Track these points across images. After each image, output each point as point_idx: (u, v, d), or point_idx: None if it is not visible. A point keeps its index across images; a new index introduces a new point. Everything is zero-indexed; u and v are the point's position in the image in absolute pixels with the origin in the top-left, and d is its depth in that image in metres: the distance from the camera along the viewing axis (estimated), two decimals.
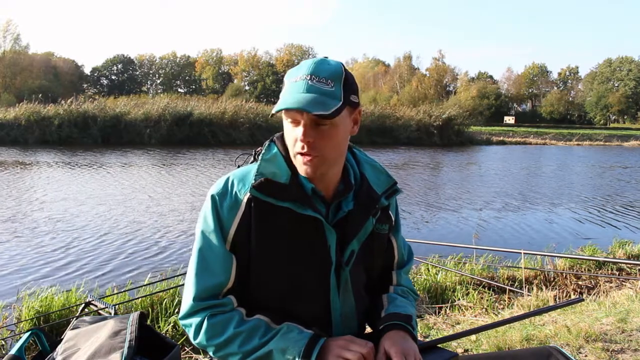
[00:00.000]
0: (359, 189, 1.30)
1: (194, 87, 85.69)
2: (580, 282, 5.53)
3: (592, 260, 5.93)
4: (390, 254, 1.42)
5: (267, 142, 1.29)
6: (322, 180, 1.25)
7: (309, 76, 1.16)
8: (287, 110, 1.14)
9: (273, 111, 1.15)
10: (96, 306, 2.66)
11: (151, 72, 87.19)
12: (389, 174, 1.37)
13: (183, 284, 1.27)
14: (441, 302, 4.74)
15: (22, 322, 4.08)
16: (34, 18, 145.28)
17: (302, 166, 1.19)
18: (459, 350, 2.81)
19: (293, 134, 1.18)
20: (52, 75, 63.47)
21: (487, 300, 4.66)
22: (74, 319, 1.87)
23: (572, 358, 1.34)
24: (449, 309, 4.43)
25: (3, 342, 3.86)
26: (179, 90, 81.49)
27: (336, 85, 1.17)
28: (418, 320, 2.71)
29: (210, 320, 1.19)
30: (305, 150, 1.16)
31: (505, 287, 5.01)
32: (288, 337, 1.16)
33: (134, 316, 1.39)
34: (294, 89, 1.16)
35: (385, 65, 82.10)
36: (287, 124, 1.20)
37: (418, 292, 1.68)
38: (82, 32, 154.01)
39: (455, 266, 5.82)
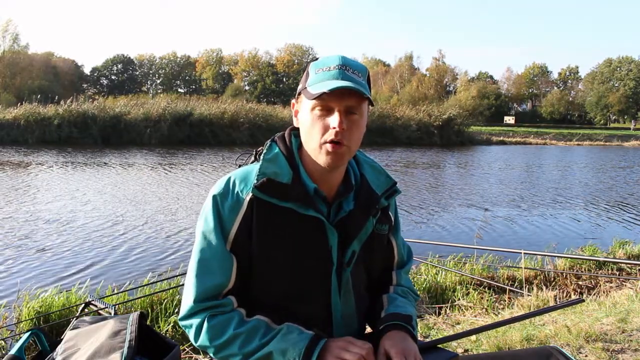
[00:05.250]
0: (359, 190, 1.30)
1: (194, 87, 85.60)
2: (580, 282, 5.52)
3: (592, 260, 5.92)
4: (390, 254, 1.42)
5: (268, 142, 1.29)
6: (325, 180, 1.25)
7: (343, 66, 1.18)
8: (328, 94, 1.13)
9: (313, 93, 1.15)
10: (96, 306, 2.66)
11: (151, 72, 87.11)
12: (388, 175, 1.38)
13: (183, 284, 1.27)
14: (441, 302, 4.74)
15: (22, 322, 4.08)
16: (34, 18, 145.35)
17: (327, 156, 1.18)
18: (459, 350, 2.81)
19: (322, 123, 1.17)
20: (52, 75, 63.38)
21: (487, 300, 4.66)
22: (74, 319, 1.87)
23: (572, 358, 1.34)
24: (449, 309, 4.42)
25: (3, 342, 3.86)
26: (179, 90, 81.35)
27: (364, 79, 1.21)
28: (418, 320, 2.71)
29: (210, 322, 1.19)
30: (339, 138, 1.16)
31: (506, 287, 5.00)
32: (288, 338, 1.16)
33: (133, 316, 1.39)
34: (329, 75, 1.17)
35: (385, 65, 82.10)
36: (311, 114, 1.19)
37: (418, 292, 1.67)
38: (82, 32, 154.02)
39: (455, 266, 5.82)
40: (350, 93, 1.15)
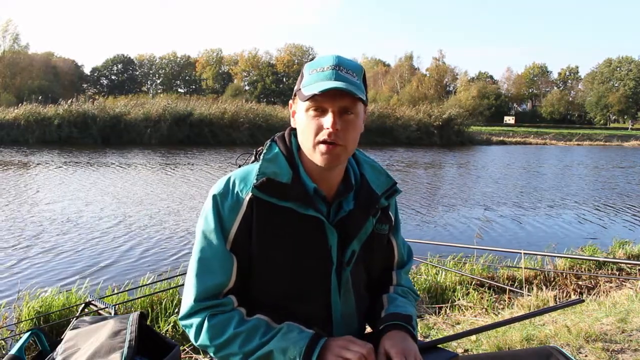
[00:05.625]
0: (359, 189, 1.30)
1: (194, 87, 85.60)
2: (580, 282, 5.53)
3: (592, 260, 5.93)
4: (390, 254, 1.42)
5: (268, 142, 1.29)
6: (325, 179, 1.25)
7: (338, 66, 1.18)
8: (321, 95, 1.13)
9: (306, 94, 1.15)
10: (96, 306, 2.66)
11: (151, 72, 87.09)
12: (388, 174, 1.37)
13: (183, 284, 1.27)
14: (441, 302, 4.74)
15: (22, 322, 4.08)
16: (34, 18, 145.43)
17: (323, 155, 1.18)
18: (459, 350, 2.81)
19: (316, 123, 1.17)
20: (52, 75, 63.40)
21: (487, 300, 4.66)
22: (74, 319, 1.87)
23: (572, 358, 1.34)
24: (449, 309, 4.42)
25: (3, 342, 3.86)
26: (179, 90, 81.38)
27: (359, 78, 1.20)
28: (418, 320, 2.70)
29: (211, 321, 1.19)
30: (333, 138, 1.16)
31: (505, 287, 5.01)
32: (288, 337, 1.16)
33: (133, 316, 1.39)
34: (322, 76, 1.17)
35: (385, 65, 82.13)
36: (306, 115, 1.19)
37: (418, 292, 1.67)
38: (82, 32, 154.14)
39: (455, 266, 5.82)
40: (343, 93, 1.15)
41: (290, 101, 1.30)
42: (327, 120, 1.16)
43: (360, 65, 1.24)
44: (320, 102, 1.16)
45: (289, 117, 1.31)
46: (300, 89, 1.21)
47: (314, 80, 1.18)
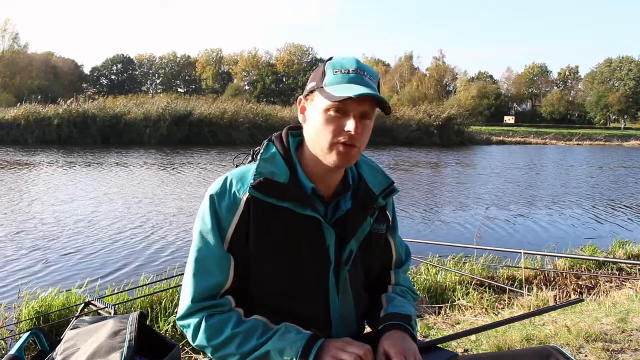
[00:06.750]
0: (356, 189, 1.30)
1: (194, 87, 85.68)
2: (580, 282, 5.52)
3: (593, 260, 5.92)
4: (388, 253, 1.42)
5: (265, 142, 1.29)
6: (325, 180, 1.25)
7: (361, 71, 1.18)
8: (348, 99, 1.12)
9: (336, 96, 1.13)
10: (96, 306, 2.67)
11: (151, 72, 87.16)
12: (386, 174, 1.37)
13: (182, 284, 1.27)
14: (441, 302, 4.74)
15: (22, 322, 4.07)
16: (34, 18, 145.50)
17: (340, 155, 1.17)
18: (459, 350, 2.81)
19: (337, 125, 1.16)
20: (52, 75, 63.50)
21: (487, 300, 4.66)
22: (74, 319, 1.87)
23: (572, 358, 1.34)
24: (449, 309, 4.42)
25: (3, 342, 3.86)
26: (179, 90, 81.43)
27: (376, 85, 1.21)
28: (418, 320, 2.70)
29: (209, 322, 1.19)
30: (353, 142, 1.16)
31: (506, 287, 5.00)
32: (286, 338, 1.15)
33: (133, 316, 1.39)
34: (349, 79, 1.16)
35: (385, 65, 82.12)
36: (325, 115, 1.16)
37: (418, 292, 1.67)
38: (82, 32, 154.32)
39: (455, 266, 5.81)
40: (367, 99, 1.15)
41: (301, 97, 1.26)
42: (351, 124, 1.15)
43: (376, 72, 1.24)
44: (345, 105, 1.15)
45: (289, 117, 1.31)
46: (322, 87, 1.18)
47: (339, 82, 1.16)
